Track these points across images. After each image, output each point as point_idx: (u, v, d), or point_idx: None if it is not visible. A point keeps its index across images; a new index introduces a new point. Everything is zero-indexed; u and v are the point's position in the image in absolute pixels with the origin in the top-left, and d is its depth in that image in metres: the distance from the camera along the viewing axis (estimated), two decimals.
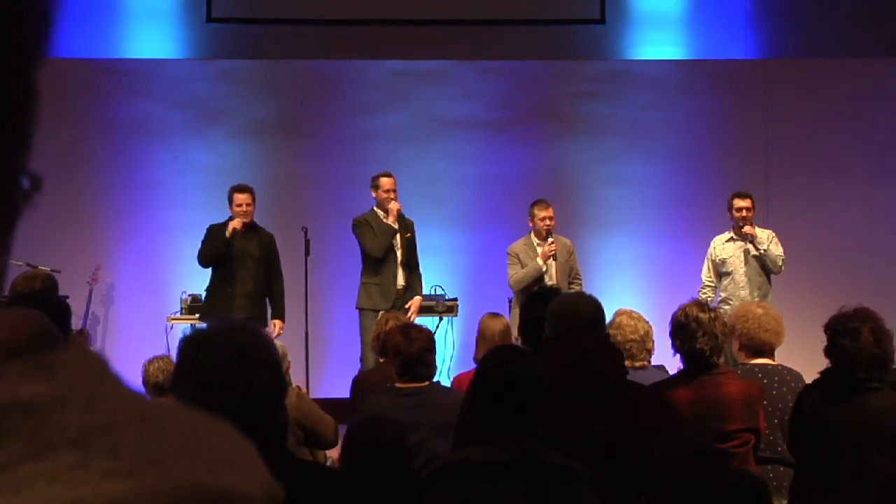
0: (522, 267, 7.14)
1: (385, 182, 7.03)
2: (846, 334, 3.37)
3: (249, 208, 6.86)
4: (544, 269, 7.12)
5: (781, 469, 3.89)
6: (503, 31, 8.79)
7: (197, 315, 7.38)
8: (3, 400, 0.43)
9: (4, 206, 0.49)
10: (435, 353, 4.01)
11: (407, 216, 7.20)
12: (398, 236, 7.01)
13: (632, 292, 7.96)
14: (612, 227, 8.59)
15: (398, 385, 3.87)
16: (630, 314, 4.34)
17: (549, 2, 8.87)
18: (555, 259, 7.13)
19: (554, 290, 3.97)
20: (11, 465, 0.42)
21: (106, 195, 8.29)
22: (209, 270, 6.91)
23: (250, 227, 6.89)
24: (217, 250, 6.77)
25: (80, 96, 8.08)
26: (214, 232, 6.89)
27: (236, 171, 8.26)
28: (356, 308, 7.04)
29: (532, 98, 8.72)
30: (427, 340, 3.91)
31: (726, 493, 2.23)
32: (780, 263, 7.12)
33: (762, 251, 7.09)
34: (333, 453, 4.76)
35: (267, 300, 6.97)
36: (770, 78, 8.74)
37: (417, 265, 7.19)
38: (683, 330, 3.60)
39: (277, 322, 6.98)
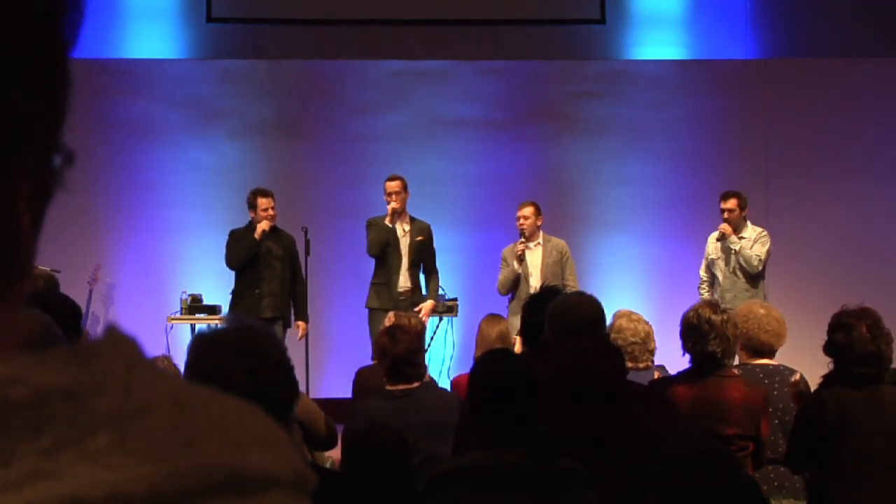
0: None
1: (386, 185, 7.12)
2: (840, 329, 3.40)
3: (274, 211, 7.03)
4: (519, 270, 7.10)
5: (782, 469, 3.89)
6: (503, 31, 8.79)
7: (203, 315, 7.44)
8: (46, 386, 0.45)
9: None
10: (422, 352, 3.98)
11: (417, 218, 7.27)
12: (407, 238, 7.07)
13: (632, 292, 7.96)
14: (612, 227, 8.59)
15: (388, 387, 3.85)
16: (629, 316, 4.29)
17: (549, 2, 8.87)
18: (519, 261, 7.09)
19: (556, 291, 3.95)
20: (54, 450, 0.44)
21: (106, 195, 8.28)
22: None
23: (273, 229, 7.03)
24: (249, 252, 6.91)
25: (79, 96, 8.04)
26: (239, 235, 7.03)
27: (236, 171, 8.27)
28: (365, 307, 7.13)
29: (532, 98, 8.72)
30: (413, 341, 3.87)
31: (730, 494, 2.22)
32: (756, 263, 7.12)
33: (735, 250, 7.13)
34: (334, 454, 4.75)
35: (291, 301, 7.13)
36: (770, 78, 8.74)
37: (433, 269, 7.23)
38: (695, 332, 3.58)
39: (301, 323, 7.15)
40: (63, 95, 0.52)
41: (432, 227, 7.25)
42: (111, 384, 0.46)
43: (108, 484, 0.43)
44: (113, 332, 0.49)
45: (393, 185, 7.08)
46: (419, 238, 7.11)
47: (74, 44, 0.50)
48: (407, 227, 7.11)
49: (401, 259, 7.05)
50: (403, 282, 7.05)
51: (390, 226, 7.02)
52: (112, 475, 0.43)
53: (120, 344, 0.49)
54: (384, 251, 7.03)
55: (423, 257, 7.18)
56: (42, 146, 0.50)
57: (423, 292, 7.17)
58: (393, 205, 7.02)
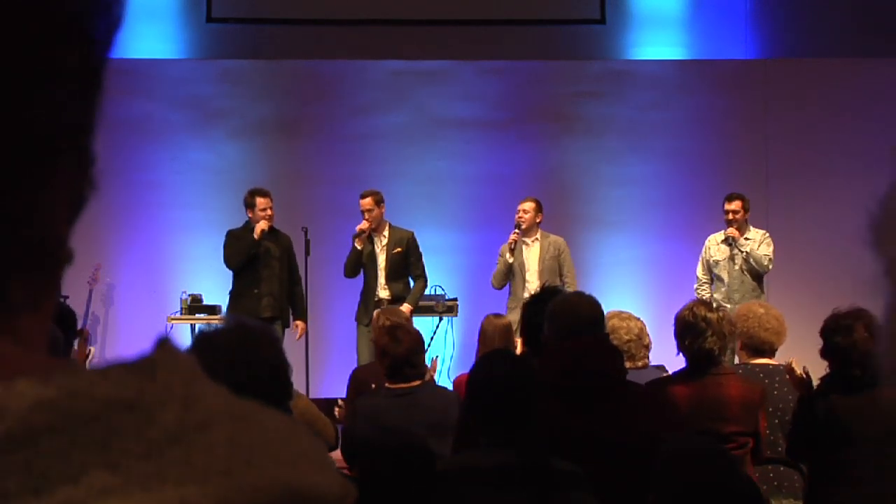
0: None
1: (360, 203, 7.07)
2: (839, 331, 3.39)
3: (272, 211, 7.01)
4: (511, 260, 7.12)
5: (782, 469, 3.89)
6: (503, 31, 8.79)
7: (203, 315, 7.44)
8: (111, 399, 0.44)
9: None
10: (423, 353, 4.02)
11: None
12: (384, 252, 7.05)
13: (631, 292, 7.96)
14: (612, 227, 8.59)
15: (389, 385, 3.88)
16: (619, 315, 4.29)
17: (549, 2, 8.87)
18: (511, 251, 7.12)
19: (556, 291, 3.95)
20: (122, 464, 0.43)
21: (106, 195, 8.15)
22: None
23: (270, 229, 7.02)
24: (249, 252, 6.90)
25: None
26: (237, 235, 7.02)
27: (236, 171, 8.27)
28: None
29: (532, 98, 8.72)
30: (414, 342, 3.91)
31: (729, 495, 2.22)
32: (766, 263, 7.19)
33: (744, 253, 7.15)
34: (333, 455, 4.75)
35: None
36: (770, 78, 8.74)
37: (418, 276, 7.18)
38: (692, 329, 3.56)
39: (300, 323, 7.17)
40: (97, 99, 0.51)
41: (418, 233, 7.18)
42: (172, 397, 0.45)
43: (177, 499, 0.42)
44: (167, 345, 0.48)
45: (365, 203, 7.02)
46: (396, 250, 7.05)
47: (109, 46, 0.50)
48: (384, 241, 7.07)
49: (377, 273, 7.05)
50: (383, 294, 7.06)
51: (359, 248, 7.02)
52: (180, 490, 0.43)
53: (177, 357, 0.48)
54: (361, 268, 7.06)
55: (405, 268, 7.14)
56: (78, 151, 0.50)
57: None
58: (363, 225, 7.00)
